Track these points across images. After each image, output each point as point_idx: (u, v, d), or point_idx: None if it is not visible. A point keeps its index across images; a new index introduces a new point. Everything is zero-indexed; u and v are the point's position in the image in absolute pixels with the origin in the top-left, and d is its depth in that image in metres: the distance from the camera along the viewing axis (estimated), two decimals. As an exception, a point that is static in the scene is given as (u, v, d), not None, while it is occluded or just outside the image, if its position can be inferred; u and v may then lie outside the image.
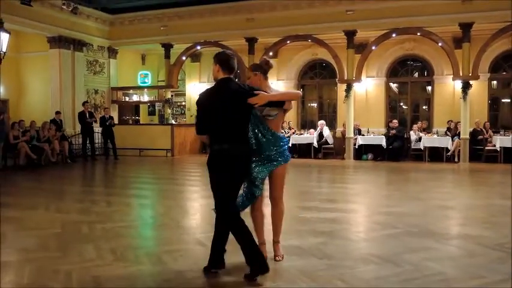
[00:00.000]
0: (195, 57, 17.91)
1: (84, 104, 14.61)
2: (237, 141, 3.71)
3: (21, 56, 16.46)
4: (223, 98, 3.66)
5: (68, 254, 4.38)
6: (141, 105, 18.83)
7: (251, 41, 15.28)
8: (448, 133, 13.98)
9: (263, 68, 4.10)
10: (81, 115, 14.31)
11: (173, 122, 17.19)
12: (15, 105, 16.34)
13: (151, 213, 6.87)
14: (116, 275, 3.81)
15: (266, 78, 4.13)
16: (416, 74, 16.34)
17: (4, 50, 12.72)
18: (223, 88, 3.70)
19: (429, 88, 15.88)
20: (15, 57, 15.89)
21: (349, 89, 14.43)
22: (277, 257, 4.12)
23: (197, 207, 7.30)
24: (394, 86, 16.48)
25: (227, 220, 3.77)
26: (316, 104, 17.61)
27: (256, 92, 3.72)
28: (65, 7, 13.95)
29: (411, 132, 14.35)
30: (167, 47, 16.53)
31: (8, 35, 12.77)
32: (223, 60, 3.73)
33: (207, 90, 3.84)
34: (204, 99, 3.73)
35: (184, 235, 5.22)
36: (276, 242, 4.18)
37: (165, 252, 4.42)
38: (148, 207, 7.26)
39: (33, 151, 12.34)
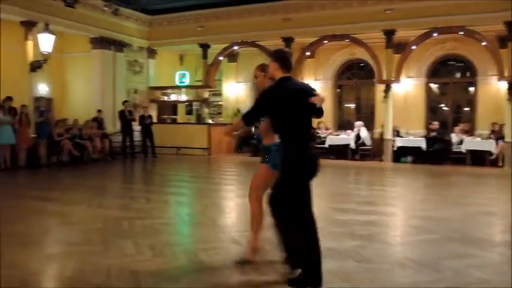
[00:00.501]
0: (232, 57, 18.03)
1: (124, 103, 14.97)
2: (310, 140, 3.67)
3: (65, 56, 16.99)
4: (295, 97, 3.53)
5: (108, 248, 4.50)
6: (179, 105, 19.11)
7: (288, 41, 15.24)
8: (492, 136, 13.49)
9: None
10: (122, 114, 14.67)
11: (210, 121, 17.36)
12: (59, 104, 16.88)
13: (188, 211, 6.98)
14: (153, 270, 3.89)
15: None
16: (458, 75, 15.86)
17: (50, 51, 13.21)
18: (291, 86, 3.60)
19: (471, 89, 15.39)
20: (59, 57, 16.42)
21: (387, 89, 14.19)
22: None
23: (233, 206, 7.35)
24: (434, 86, 16.07)
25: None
26: (353, 105, 17.40)
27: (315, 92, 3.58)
28: (106, 8, 14.34)
29: (452, 135, 13.94)
30: (204, 47, 16.71)
31: (53, 36, 13.25)
32: (283, 57, 3.66)
33: (273, 87, 3.66)
34: (273, 97, 3.58)
35: (220, 233, 5.28)
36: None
37: (202, 249, 4.48)
38: (186, 205, 7.37)
39: (76, 148, 12.75)
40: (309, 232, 3.54)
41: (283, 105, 3.52)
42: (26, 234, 5.09)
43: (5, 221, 5.70)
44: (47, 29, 13.04)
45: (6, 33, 14.18)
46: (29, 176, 10.62)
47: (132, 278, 3.70)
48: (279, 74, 3.63)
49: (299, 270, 3.53)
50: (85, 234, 5.06)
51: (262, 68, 4.04)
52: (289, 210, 3.60)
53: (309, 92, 3.57)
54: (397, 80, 14.17)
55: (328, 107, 16.98)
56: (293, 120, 3.53)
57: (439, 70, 15.75)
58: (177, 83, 18.45)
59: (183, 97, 18.18)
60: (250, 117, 3.75)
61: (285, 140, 3.60)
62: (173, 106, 19.27)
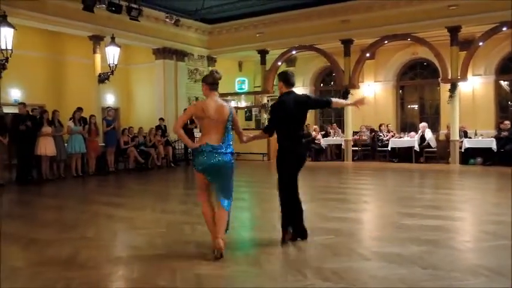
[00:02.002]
0: (290, 62, 18.02)
1: (185, 110, 15.34)
2: (301, 138, 5.03)
3: (130, 67, 17.77)
4: (292, 106, 4.82)
5: (172, 252, 4.62)
6: (238, 111, 19.33)
7: (347, 43, 15.03)
8: None
9: (207, 80, 4.52)
10: (183, 121, 15.02)
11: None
12: (125, 113, 17.65)
13: (248, 215, 7.01)
14: (216, 274, 3.94)
15: (212, 89, 4.51)
16: (532, 71, 14.90)
17: (116, 62, 13.85)
18: (291, 99, 4.88)
19: (546, 85, 14.41)
20: (125, 68, 17.20)
21: (453, 88, 13.58)
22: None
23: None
24: (505, 84, 15.19)
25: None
26: (416, 106, 16.83)
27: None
28: (168, 20, 14.83)
29: (526, 134, 13.09)
30: (263, 53, 16.84)
31: (119, 49, 13.89)
32: (285, 79, 5.00)
33: (279, 101, 4.94)
34: (281, 104, 4.88)
35: (280, 238, 5.24)
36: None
37: (262, 254, 4.48)
38: (245, 210, 7.41)
39: (141, 155, 13.25)
40: (295, 205, 5.01)
41: (277, 112, 4.92)
42: (96, 238, 5.34)
43: (78, 226, 6.01)
44: (113, 42, 13.69)
45: (76, 47, 15.11)
46: (98, 182, 11.14)
47: (196, 281, 3.77)
48: (284, 90, 5.00)
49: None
50: (150, 238, 5.22)
51: (202, 79, 4.72)
52: (283, 191, 5.02)
53: (300, 101, 4.90)
54: (463, 78, 13.54)
55: (389, 109, 16.55)
56: (283, 126, 4.88)
57: (509, 67, 14.87)
58: (236, 89, 18.71)
59: (243, 103, 18.38)
60: (268, 129, 5.12)
61: (279, 141, 4.92)
62: (233, 112, 19.44)
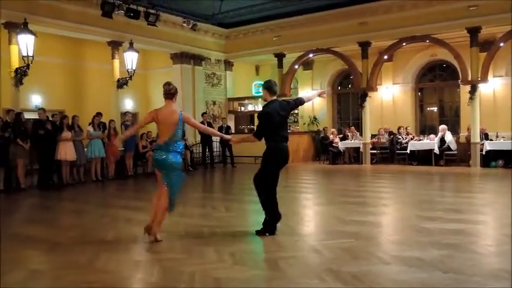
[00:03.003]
0: (307, 65, 17.99)
1: (203, 115, 15.46)
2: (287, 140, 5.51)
3: (148, 72, 17.94)
4: (277, 112, 5.37)
5: (191, 256, 4.64)
6: (255, 115, 19.36)
7: (364, 46, 14.93)
8: None
9: (164, 91, 5.41)
10: (201, 125, 15.10)
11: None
12: (144, 118, 17.80)
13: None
14: (235, 278, 3.94)
15: (166, 98, 5.44)
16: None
17: (134, 67, 14.02)
18: (275, 105, 5.42)
19: None
20: (143, 73, 17.37)
21: (473, 90, 13.38)
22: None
23: (311, 214, 7.27)
24: (527, 85, 14.89)
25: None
26: (436, 108, 16.61)
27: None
28: (185, 25, 14.94)
29: (549, 136, 12.82)
30: (280, 56, 16.84)
31: (137, 54, 14.05)
32: (269, 87, 5.49)
33: (265, 108, 5.48)
34: (266, 115, 5.40)
35: (300, 242, 5.23)
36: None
37: (281, 258, 4.46)
38: (262, 213, 7.39)
39: (159, 159, 13.31)
40: (272, 200, 5.52)
41: (265, 121, 5.43)
42: (115, 241, 5.40)
43: (98, 229, 6.09)
44: (131, 47, 13.86)
45: (95, 53, 15.32)
46: (118, 186, 11.26)
47: (215, 284, 3.78)
48: (268, 98, 5.49)
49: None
50: (168, 241, 5.25)
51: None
52: (263, 186, 5.46)
53: (284, 107, 5.51)
54: (484, 79, 13.33)
55: (408, 111, 16.38)
56: (268, 130, 5.39)
57: (532, 67, 14.58)
58: (253, 93, 18.74)
59: (260, 107, 18.38)
60: (257, 134, 5.51)
61: (266, 141, 5.42)
62: (250, 116, 19.55)
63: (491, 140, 13.61)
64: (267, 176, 5.44)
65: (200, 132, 14.99)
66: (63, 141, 10.81)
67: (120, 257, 4.71)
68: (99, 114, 11.97)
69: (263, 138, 5.47)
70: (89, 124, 11.76)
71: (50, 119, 11.08)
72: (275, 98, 5.51)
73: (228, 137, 5.96)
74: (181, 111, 5.39)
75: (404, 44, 14.56)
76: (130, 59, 13.93)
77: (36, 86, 13.73)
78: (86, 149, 11.61)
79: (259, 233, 5.47)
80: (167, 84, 5.44)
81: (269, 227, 5.46)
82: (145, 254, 4.96)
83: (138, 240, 5.48)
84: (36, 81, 13.15)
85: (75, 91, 15.26)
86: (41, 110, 11.07)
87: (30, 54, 11.19)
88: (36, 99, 14.22)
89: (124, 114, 13.48)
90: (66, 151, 10.80)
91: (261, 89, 5.74)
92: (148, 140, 13.47)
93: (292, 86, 17.76)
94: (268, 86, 5.51)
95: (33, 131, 10.53)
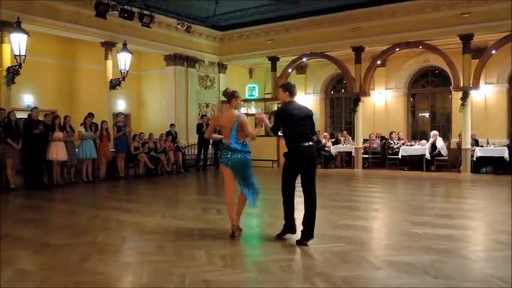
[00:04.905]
0: (301, 69, 18.04)
1: (202, 117, 15.49)
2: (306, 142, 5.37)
3: (141, 73, 17.90)
4: (299, 113, 5.42)
5: (181, 258, 4.62)
6: (249, 117, 19.36)
7: (358, 50, 15.00)
8: None
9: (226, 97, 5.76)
10: (199, 127, 15.08)
11: (279, 133, 17.39)
12: (136, 119, 17.76)
13: (258, 222, 6.99)
14: (225, 280, 3.93)
15: (229, 104, 5.77)
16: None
17: (127, 68, 13.97)
18: (295, 106, 5.48)
19: (561, 94, 14.23)
20: (136, 75, 17.33)
21: (465, 97, 13.48)
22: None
23: (302, 217, 7.25)
24: (517, 92, 15.05)
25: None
26: (428, 114, 16.72)
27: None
28: (179, 26, 14.91)
29: (539, 143, 12.93)
30: (273, 60, 16.86)
31: (130, 55, 14.01)
32: (290, 89, 5.52)
33: (284, 108, 5.50)
34: (285, 114, 5.43)
35: (291, 245, 5.21)
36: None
37: (272, 261, 4.45)
38: (256, 216, 7.38)
39: (151, 161, 13.29)
40: (291, 202, 5.45)
41: (285, 121, 5.40)
42: (106, 243, 5.36)
43: (88, 230, 6.04)
44: (125, 48, 13.81)
45: (88, 53, 15.26)
46: (109, 188, 11.19)
47: (205, 287, 3.76)
48: (287, 99, 5.48)
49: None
50: (159, 244, 5.22)
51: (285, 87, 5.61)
52: (284, 187, 5.43)
53: (304, 110, 5.53)
54: (475, 86, 13.43)
55: (400, 116, 16.46)
56: (289, 130, 5.38)
57: (523, 75, 14.73)
58: (246, 96, 18.72)
59: (253, 110, 18.37)
60: (274, 129, 5.60)
61: (287, 143, 5.42)
62: (243, 119, 19.47)
63: (481, 146, 13.72)
64: (284, 178, 5.44)
65: (199, 134, 14.97)
66: (55, 141, 10.72)
67: (110, 258, 4.67)
68: (91, 115, 11.89)
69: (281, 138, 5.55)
70: (81, 125, 11.68)
71: (42, 119, 10.99)
72: (293, 100, 5.54)
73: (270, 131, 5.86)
74: (239, 114, 5.63)
75: (397, 49, 14.64)
76: (124, 60, 13.88)
77: (28, 85, 13.64)
78: (77, 150, 11.53)
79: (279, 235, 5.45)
80: (224, 90, 5.90)
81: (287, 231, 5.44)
82: (136, 255, 4.93)
83: (129, 242, 5.45)
84: (28, 81, 13.07)
85: (67, 91, 15.18)
86: (35, 109, 10.97)
87: (23, 53, 11.12)
88: (28, 99, 14.13)
89: (116, 115, 13.42)
90: (57, 151, 10.70)
91: (279, 90, 5.66)
92: (141, 142, 13.42)
93: (285, 90, 17.76)
94: (288, 88, 5.54)
95: (24, 130, 10.43)
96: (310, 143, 5.34)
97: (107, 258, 4.64)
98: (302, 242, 5.08)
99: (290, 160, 5.37)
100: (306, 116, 5.44)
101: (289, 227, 5.40)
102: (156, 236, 5.66)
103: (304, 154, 5.26)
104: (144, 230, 6.08)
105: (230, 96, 5.67)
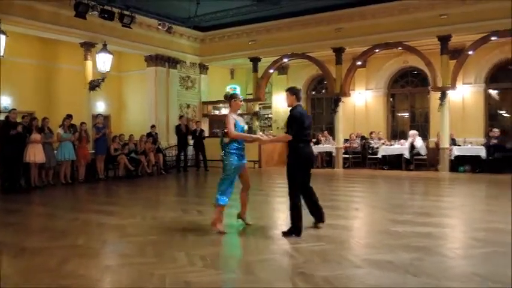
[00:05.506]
0: (282, 69, 18.10)
1: (180, 117, 15.36)
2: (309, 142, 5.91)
3: (121, 74, 17.72)
4: (307, 116, 5.81)
5: (162, 259, 4.58)
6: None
7: (338, 51, 15.12)
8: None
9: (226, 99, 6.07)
10: (178, 128, 14.98)
11: (261, 134, 17.41)
12: (117, 120, 17.58)
13: (240, 222, 6.98)
14: (206, 281, 3.92)
15: (230, 106, 6.02)
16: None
17: (107, 69, 13.82)
18: (303, 109, 5.85)
19: (535, 94, 14.57)
20: (116, 76, 17.16)
21: (443, 97, 13.71)
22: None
23: (284, 217, 7.27)
24: (494, 93, 15.37)
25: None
26: (407, 114, 16.95)
27: None
28: (160, 27, 14.82)
29: (515, 142, 13.22)
30: (255, 61, 16.88)
31: (111, 56, 13.86)
32: (297, 93, 5.81)
33: (300, 111, 5.70)
34: (304, 116, 5.67)
35: (273, 245, 5.23)
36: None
37: (253, 261, 4.46)
38: (236, 217, 7.38)
39: (131, 163, 13.17)
40: (310, 197, 5.88)
41: (300, 122, 5.64)
42: (86, 246, 5.29)
43: (67, 233, 5.95)
44: (104, 48, 13.66)
45: (67, 54, 15.06)
46: (88, 190, 11.05)
47: (186, 289, 3.75)
48: (294, 102, 5.76)
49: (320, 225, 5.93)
50: (140, 246, 5.17)
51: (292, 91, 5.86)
52: (292, 188, 5.61)
53: (307, 113, 5.91)
54: (453, 87, 13.68)
55: (380, 116, 16.65)
56: (302, 132, 5.65)
57: (498, 76, 15.04)
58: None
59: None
60: (290, 132, 5.67)
61: (295, 143, 5.62)
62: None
63: (459, 145, 13.96)
64: (296, 178, 5.67)
65: (180, 135, 14.86)
66: (33, 143, 10.54)
67: (90, 261, 4.62)
68: (69, 116, 11.72)
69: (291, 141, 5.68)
70: (60, 126, 11.51)
71: (20, 120, 10.78)
72: (300, 103, 5.82)
73: (264, 138, 6.71)
74: (226, 114, 5.89)
75: (377, 50, 14.81)
76: (103, 60, 13.72)
77: (6, 86, 13.35)
78: (55, 152, 11.36)
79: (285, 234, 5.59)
80: (224, 94, 6.26)
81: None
82: (116, 258, 4.87)
83: (109, 245, 5.39)
84: (5, 82, 12.79)
85: (46, 92, 14.95)
86: (13, 110, 10.77)
87: (1, 54, 10.92)
88: (5, 100, 13.85)
89: (96, 116, 13.27)
90: (35, 153, 10.52)
91: (287, 94, 5.88)
92: (121, 143, 13.29)
93: (267, 90, 17.83)
94: (296, 92, 5.83)
95: (1, 132, 10.21)
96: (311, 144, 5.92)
97: (87, 261, 4.58)
98: (317, 225, 5.89)
99: (301, 159, 5.65)
100: (310, 119, 5.91)
101: (318, 218, 5.93)
102: (136, 238, 5.61)
103: (312, 152, 6.02)
104: (125, 232, 6.01)
105: (230, 98, 5.87)
